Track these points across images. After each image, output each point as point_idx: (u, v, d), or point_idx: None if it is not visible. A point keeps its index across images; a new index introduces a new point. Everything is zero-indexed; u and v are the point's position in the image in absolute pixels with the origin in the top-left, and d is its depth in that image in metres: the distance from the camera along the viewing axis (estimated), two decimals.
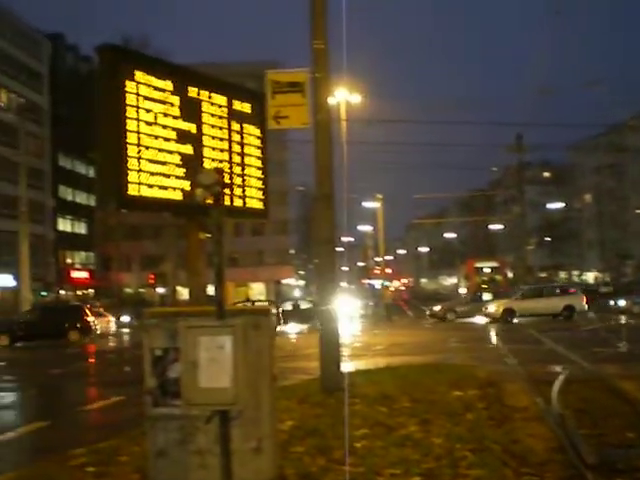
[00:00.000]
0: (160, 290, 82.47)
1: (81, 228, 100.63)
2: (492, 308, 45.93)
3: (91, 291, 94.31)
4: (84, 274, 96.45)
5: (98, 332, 43.62)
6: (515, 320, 43.41)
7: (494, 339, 32.24)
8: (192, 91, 10.41)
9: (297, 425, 10.94)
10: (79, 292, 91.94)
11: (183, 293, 78.28)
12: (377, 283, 79.11)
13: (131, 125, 9.32)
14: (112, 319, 50.26)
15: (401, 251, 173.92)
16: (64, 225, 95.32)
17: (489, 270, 72.01)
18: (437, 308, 52.49)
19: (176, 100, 10.05)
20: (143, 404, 7.06)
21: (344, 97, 40.38)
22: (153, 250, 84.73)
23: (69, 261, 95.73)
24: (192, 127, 10.33)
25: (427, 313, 54.54)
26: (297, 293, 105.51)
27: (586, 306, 45.32)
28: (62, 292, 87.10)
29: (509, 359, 21.91)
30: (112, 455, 10.58)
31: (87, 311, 43.45)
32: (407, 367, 18.29)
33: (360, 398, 13.10)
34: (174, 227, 72.43)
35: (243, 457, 6.85)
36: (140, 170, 9.36)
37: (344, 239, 57.93)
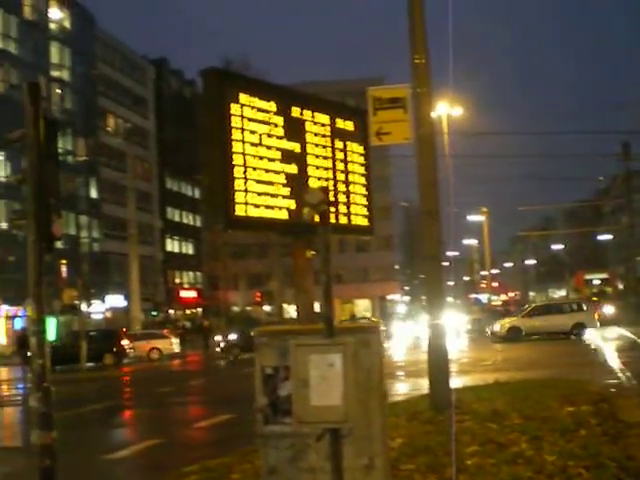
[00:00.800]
0: (266, 308, 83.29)
1: (188, 248, 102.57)
2: (497, 327, 44.53)
3: (199, 310, 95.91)
4: (192, 293, 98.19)
5: (132, 355, 45.23)
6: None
7: (603, 352, 31.36)
8: (295, 111, 10.50)
9: (407, 442, 10.86)
10: (188, 311, 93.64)
11: (289, 311, 78.89)
12: (484, 297, 78.19)
13: (237, 147, 9.45)
14: (175, 341, 51.05)
15: (507, 264, 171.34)
16: (172, 246, 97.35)
17: (599, 282, 70.37)
18: None
19: (280, 120, 10.15)
20: (252, 422, 7.12)
21: (445, 110, 40.16)
22: (259, 268, 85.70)
23: (177, 281, 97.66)
24: (296, 147, 10.41)
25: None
26: (402, 309, 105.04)
27: (598, 323, 43.30)
28: (171, 311, 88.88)
29: (620, 373, 21.33)
30: (224, 473, 10.68)
31: (122, 335, 45.29)
32: (516, 383, 17.97)
33: (470, 415, 12.93)
34: (279, 245, 73.14)
35: (355, 475, 6.83)
36: (246, 190, 9.47)
37: (449, 253, 57.49)
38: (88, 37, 79.30)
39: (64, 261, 56.30)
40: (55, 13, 74.87)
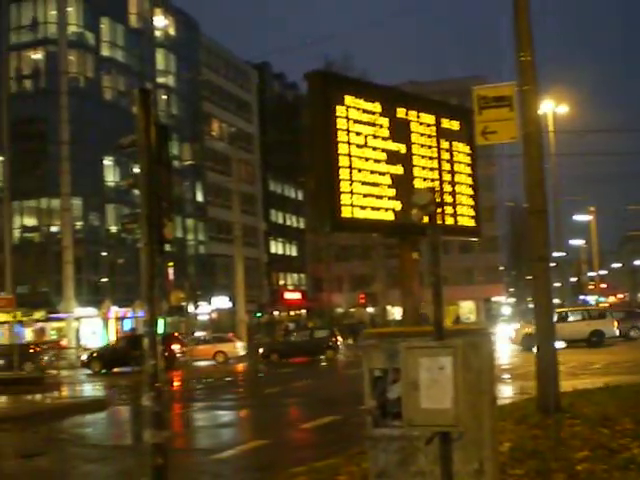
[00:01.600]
0: (370, 310, 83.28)
1: (292, 250, 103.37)
2: (512, 333, 43.26)
3: (303, 312, 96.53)
4: (297, 295, 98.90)
5: (182, 360, 45.54)
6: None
7: None
8: (400, 112, 10.44)
9: (515, 447, 10.67)
10: (292, 313, 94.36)
11: (393, 312, 78.69)
12: (592, 299, 76.40)
13: (342, 149, 9.45)
14: (239, 345, 51.31)
15: (616, 265, 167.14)
16: (276, 248, 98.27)
17: None
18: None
19: (385, 121, 10.10)
20: (358, 424, 7.12)
21: (551, 108, 39.44)
22: (362, 270, 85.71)
23: (282, 282, 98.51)
24: (402, 147, 10.36)
25: None
26: (507, 311, 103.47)
27: (617, 331, 41.55)
28: (275, 313, 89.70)
29: None
30: (331, 475, 10.69)
31: (174, 339, 46.14)
32: (627, 387, 17.48)
33: (580, 419, 12.64)
34: (383, 247, 73.08)
35: (464, 479, 6.75)
36: (352, 192, 9.47)
37: (556, 254, 56.36)
38: (192, 43, 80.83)
39: (171, 263, 57.45)
40: (160, 21, 76.62)
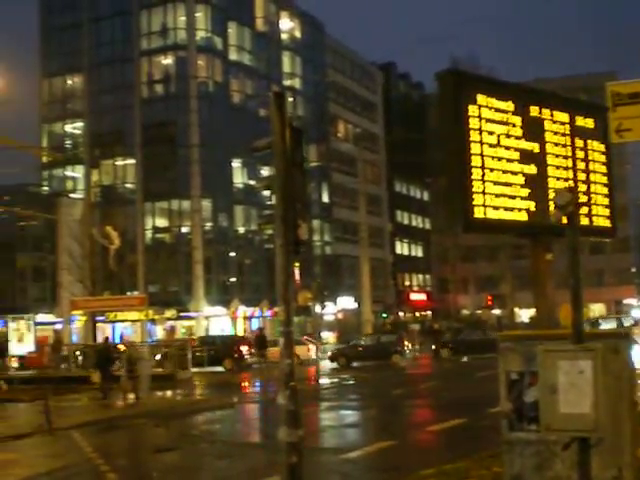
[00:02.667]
0: (496, 312, 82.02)
1: (418, 251, 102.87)
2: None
3: (429, 313, 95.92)
4: (422, 296, 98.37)
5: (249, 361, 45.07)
6: None
7: None
8: (533, 110, 10.26)
9: None
10: (417, 314, 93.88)
11: (520, 314, 77.28)
12: None
13: (475, 148, 9.36)
14: (313, 347, 50.95)
15: None
16: (401, 248, 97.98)
17: None
18: None
19: (518, 120, 9.95)
20: (485, 427, 7.03)
21: None
22: (489, 271, 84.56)
23: (407, 283, 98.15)
24: (535, 146, 10.17)
25: None
26: (638, 314, 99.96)
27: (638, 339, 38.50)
28: (400, 314, 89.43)
29: None
30: (460, 478, 10.60)
31: (242, 342, 46.29)
32: None
33: None
34: (510, 248, 71.90)
35: None
36: (485, 192, 9.36)
37: None
38: (318, 45, 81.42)
39: (297, 264, 57.98)
40: (286, 23, 77.51)
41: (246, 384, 35.60)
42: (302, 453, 7.70)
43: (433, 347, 47.97)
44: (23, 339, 38.85)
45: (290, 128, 7.79)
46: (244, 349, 45.06)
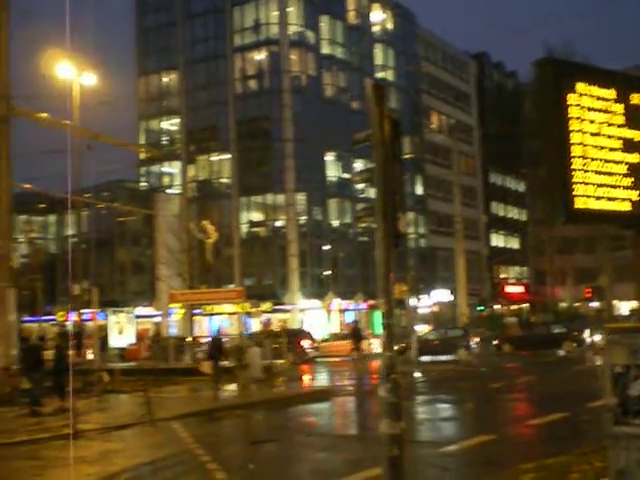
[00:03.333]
0: (594, 304, 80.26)
1: (514, 243, 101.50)
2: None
3: (525, 306, 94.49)
4: (518, 289, 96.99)
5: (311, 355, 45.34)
6: None
7: None
8: (636, 97, 9.99)
9: None
10: (513, 307, 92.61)
11: (619, 307, 75.53)
12: None
13: (575, 138, 9.16)
14: (375, 342, 50.31)
15: None
16: (497, 240, 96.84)
17: None
18: None
19: (619, 108, 9.70)
20: (587, 422, 6.90)
21: None
22: (586, 263, 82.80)
23: (503, 276, 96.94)
24: (637, 135, 9.91)
25: None
26: None
27: None
28: (496, 307, 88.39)
29: None
30: (562, 472, 10.44)
31: (305, 335, 46.71)
32: None
33: None
34: (608, 239, 70.29)
35: None
36: (586, 182, 9.16)
37: None
38: (410, 36, 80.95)
39: None
40: (377, 15, 77.32)
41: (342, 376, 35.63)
42: (403, 446, 7.68)
43: (495, 342, 47.02)
44: (123, 331, 39.79)
45: (389, 120, 7.78)
46: (306, 343, 45.27)
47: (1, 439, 17.51)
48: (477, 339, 45.27)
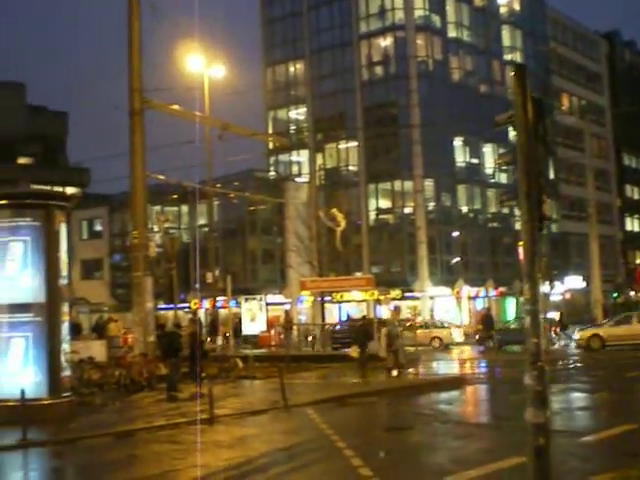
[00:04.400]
0: None
1: None
2: (577, 335, 39.83)
3: None
4: None
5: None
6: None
7: None
8: None
9: None
10: None
11: None
12: None
13: None
14: (456, 331, 48.75)
15: None
16: (632, 225, 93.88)
17: None
18: None
19: None
20: None
21: None
22: None
23: (639, 261, 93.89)
24: None
25: None
26: None
27: None
28: (632, 293, 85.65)
29: None
30: None
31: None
32: None
33: None
34: None
35: None
36: None
37: None
38: (538, 17, 79.15)
39: (521, 242, 56.70)
40: None
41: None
42: (549, 435, 7.45)
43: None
44: (255, 319, 40.34)
45: (532, 101, 7.54)
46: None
47: (141, 423, 17.98)
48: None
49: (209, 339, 38.31)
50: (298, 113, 74.02)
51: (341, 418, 18.97)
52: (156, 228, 51.70)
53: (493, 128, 8.82)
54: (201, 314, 49.37)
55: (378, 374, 27.70)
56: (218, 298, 43.90)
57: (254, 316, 40.13)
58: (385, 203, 67.66)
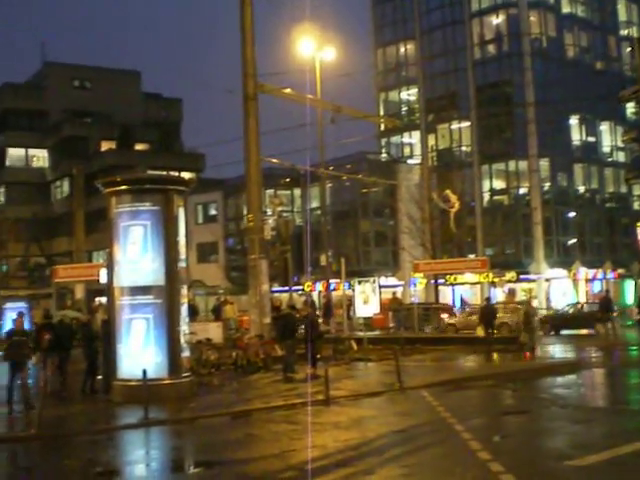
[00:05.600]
0: None
1: None
2: None
3: None
4: None
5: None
6: None
7: None
8: None
9: None
10: None
11: None
12: None
13: None
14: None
15: None
16: None
17: None
18: None
19: None
20: None
21: None
22: None
23: None
24: None
25: None
26: None
27: None
28: None
29: None
30: None
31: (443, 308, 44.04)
32: None
33: None
34: None
35: None
36: None
37: None
38: None
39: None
40: None
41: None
42: None
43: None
44: (368, 301, 40.31)
45: None
46: (443, 316, 43.47)
47: (258, 404, 18.25)
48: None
49: (323, 321, 38.53)
50: (409, 94, 73.50)
51: (457, 401, 18.82)
52: (270, 211, 52.25)
53: (618, 103, 8.51)
54: (314, 296, 49.72)
55: (501, 356, 27.51)
56: (331, 280, 44.10)
57: (367, 298, 40.08)
58: (499, 184, 66.61)
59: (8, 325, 31.89)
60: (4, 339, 19.37)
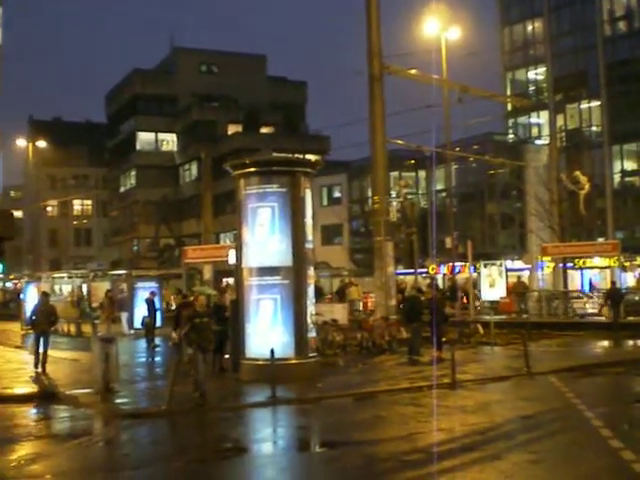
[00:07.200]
0: None
1: None
2: None
3: None
4: None
5: None
6: None
7: None
8: None
9: None
10: None
11: None
12: None
13: None
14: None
15: None
16: None
17: None
18: None
19: None
20: None
21: None
22: None
23: None
24: None
25: None
26: None
27: None
28: None
29: None
30: None
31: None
32: None
33: None
34: None
35: None
36: None
37: None
38: None
39: None
40: None
41: None
42: None
43: None
44: (495, 285, 39.81)
45: None
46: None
47: (384, 385, 18.31)
48: None
49: (449, 304, 38.26)
50: (537, 73, 72.03)
51: (587, 387, 18.44)
52: (395, 194, 52.13)
53: None
54: (439, 279, 49.41)
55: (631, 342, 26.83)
56: (456, 263, 43.73)
57: (493, 282, 39.61)
58: (631, 165, 64.61)
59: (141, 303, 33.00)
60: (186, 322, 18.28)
